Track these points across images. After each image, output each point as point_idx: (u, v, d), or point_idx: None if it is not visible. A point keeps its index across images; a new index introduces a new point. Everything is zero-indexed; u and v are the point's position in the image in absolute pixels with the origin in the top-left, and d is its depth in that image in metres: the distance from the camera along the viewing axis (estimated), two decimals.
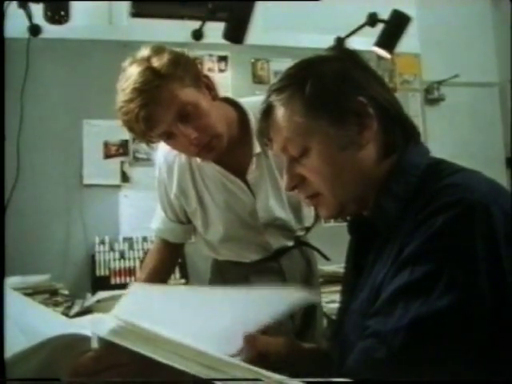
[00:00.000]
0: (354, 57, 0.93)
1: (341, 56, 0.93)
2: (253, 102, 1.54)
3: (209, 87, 1.40)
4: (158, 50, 1.32)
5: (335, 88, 0.87)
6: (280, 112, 0.89)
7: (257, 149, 1.48)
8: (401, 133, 0.90)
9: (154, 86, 1.27)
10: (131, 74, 1.29)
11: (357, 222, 0.99)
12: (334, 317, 1.11)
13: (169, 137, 1.35)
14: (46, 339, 0.62)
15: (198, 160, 1.49)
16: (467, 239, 0.73)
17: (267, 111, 0.92)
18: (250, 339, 0.88)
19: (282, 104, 0.89)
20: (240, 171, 1.50)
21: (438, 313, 0.70)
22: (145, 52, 1.32)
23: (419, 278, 0.73)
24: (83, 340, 0.61)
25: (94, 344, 0.59)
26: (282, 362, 0.89)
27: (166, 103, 1.28)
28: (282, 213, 1.55)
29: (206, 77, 1.42)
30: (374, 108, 0.87)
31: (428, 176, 0.85)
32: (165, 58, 1.29)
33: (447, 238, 0.73)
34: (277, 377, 0.56)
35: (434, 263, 0.73)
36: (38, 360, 0.63)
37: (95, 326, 0.59)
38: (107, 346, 0.58)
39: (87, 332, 0.61)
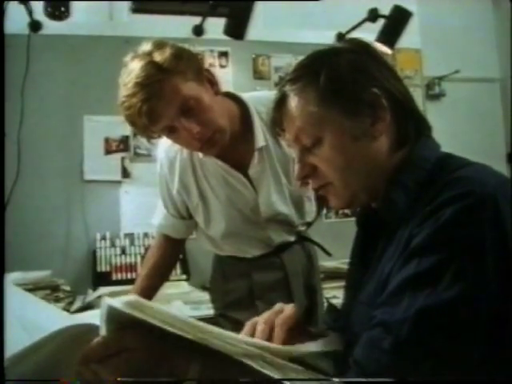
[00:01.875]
0: (368, 49, 0.93)
1: (355, 48, 0.92)
2: (254, 97, 1.55)
3: (211, 82, 1.40)
4: (160, 44, 1.32)
5: (349, 79, 0.87)
6: (294, 102, 0.90)
7: (259, 143, 1.48)
8: (413, 126, 0.91)
9: (156, 80, 1.26)
10: (133, 68, 1.29)
11: (365, 214, 0.99)
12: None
13: (171, 131, 1.35)
14: (57, 330, 0.62)
15: (200, 155, 1.49)
16: (475, 231, 0.73)
17: (281, 101, 0.92)
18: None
19: (296, 94, 0.89)
20: (242, 166, 1.50)
21: (444, 304, 0.70)
22: (147, 47, 1.31)
23: (426, 269, 0.73)
24: (92, 329, 0.61)
25: (102, 332, 0.60)
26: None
27: (168, 97, 1.28)
28: (284, 207, 1.55)
29: (208, 71, 1.42)
30: (388, 100, 0.87)
31: (437, 169, 0.85)
32: (167, 52, 1.29)
33: (455, 229, 0.74)
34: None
35: (442, 254, 0.73)
36: (47, 351, 0.63)
37: (109, 301, 0.59)
38: (116, 330, 0.58)
39: (95, 321, 0.61)
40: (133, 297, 0.58)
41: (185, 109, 1.31)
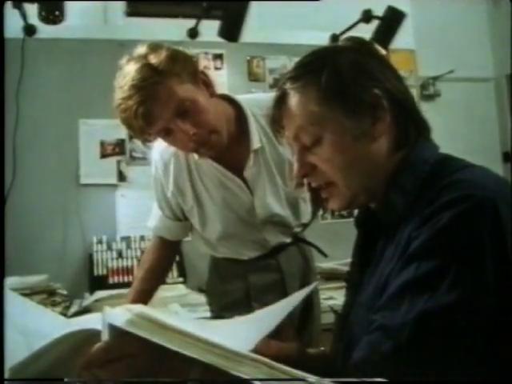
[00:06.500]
0: (370, 48, 0.94)
1: (357, 47, 0.92)
2: (249, 99, 1.56)
3: (206, 84, 1.40)
4: (155, 47, 1.32)
5: (351, 79, 0.87)
6: (294, 100, 0.89)
7: (254, 145, 1.48)
8: (413, 127, 0.91)
9: (152, 82, 1.27)
10: (129, 71, 1.29)
11: (364, 215, 0.99)
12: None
13: (167, 133, 1.35)
14: (58, 338, 0.62)
15: (196, 157, 1.50)
16: (474, 235, 0.73)
17: (281, 99, 0.92)
18: (262, 344, 0.88)
19: (297, 92, 0.89)
20: (237, 168, 1.50)
21: (444, 308, 0.70)
22: (142, 50, 1.32)
23: (426, 273, 0.73)
24: (94, 335, 0.61)
25: (104, 337, 0.60)
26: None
27: (164, 99, 1.28)
28: (280, 209, 1.55)
29: (204, 73, 1.42)
30: (389, 101, 0.87)
31: (436, 171, 0.85)
32: (162, 54, 1.30)
33: (454, 233, 0.73)
34: (303, 374, 0.56)
35: (441, 258, 0.73)
36: (49, 359, 0.63)
37: (109, 318, 0.59)
38: (118, 336, 0.58)
39: (98, 327, 0.61)
40: (135, 312, 0.58)
41: (180, 111, 1.31)
